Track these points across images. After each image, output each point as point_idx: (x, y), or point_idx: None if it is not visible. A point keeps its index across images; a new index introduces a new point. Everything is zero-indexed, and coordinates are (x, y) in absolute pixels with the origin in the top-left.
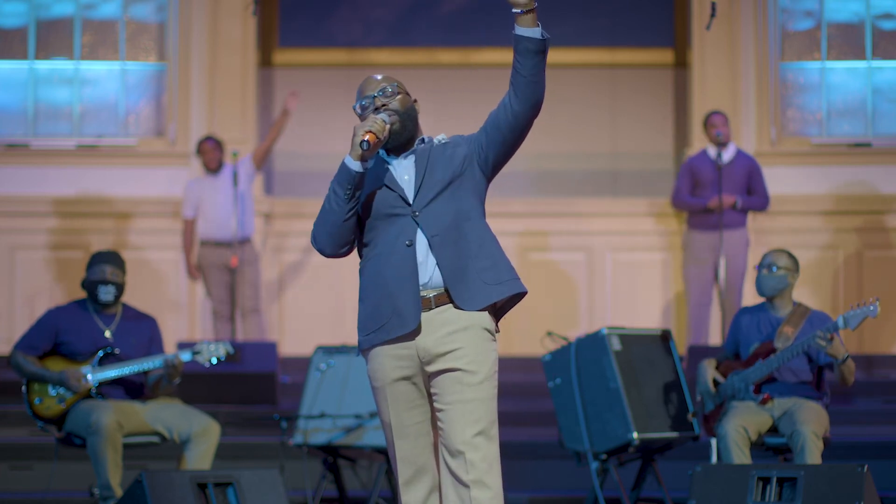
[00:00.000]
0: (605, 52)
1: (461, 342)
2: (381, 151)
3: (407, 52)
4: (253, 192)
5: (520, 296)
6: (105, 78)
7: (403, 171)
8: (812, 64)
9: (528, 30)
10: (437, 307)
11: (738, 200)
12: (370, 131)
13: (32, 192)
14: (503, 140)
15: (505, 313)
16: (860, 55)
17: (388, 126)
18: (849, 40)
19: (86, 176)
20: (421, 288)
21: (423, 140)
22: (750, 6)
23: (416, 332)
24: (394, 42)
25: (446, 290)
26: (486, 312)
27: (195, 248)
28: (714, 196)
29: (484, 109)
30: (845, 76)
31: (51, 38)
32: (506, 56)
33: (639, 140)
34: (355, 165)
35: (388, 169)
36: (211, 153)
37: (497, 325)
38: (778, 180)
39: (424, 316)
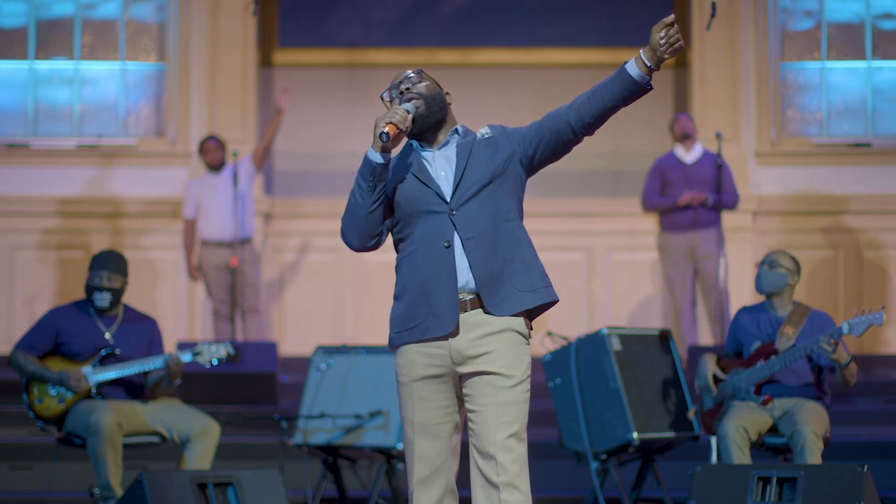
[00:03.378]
0: (605, 52)
1: (495, 345)
2: (416, 144)
3: (407, 52)
4: (253, 193)
5: (552, 303)
6: (105, 78)
7: (440, 166)
8: (812, 64)
9: (642, 76)
10: (471, 310)
11: (708, 198)
12: (390, 122)
13: (32, 192)
14: (554, 147)
15: (536, 316)
16: (860, 55)
17: (410, 115)
18: (849, 40)
19: (86, 176)
20: (458, 290)
21: (456, 131)
22: (750, 6)
23: (453, 333)
24: (394, 42)
25: (478, 295)
26: (520, 316)
27: (196, 248)
28: (684, 194)
29: (484, 109)
30: (845, 76)
31: (51, 38)
32: (506, 56)
33: (639, 140)
34: (376, 157)
35: (424, 163)
36: (214, 152)
37: (531, 325)
38: (778, 180)
39: (460, 317)
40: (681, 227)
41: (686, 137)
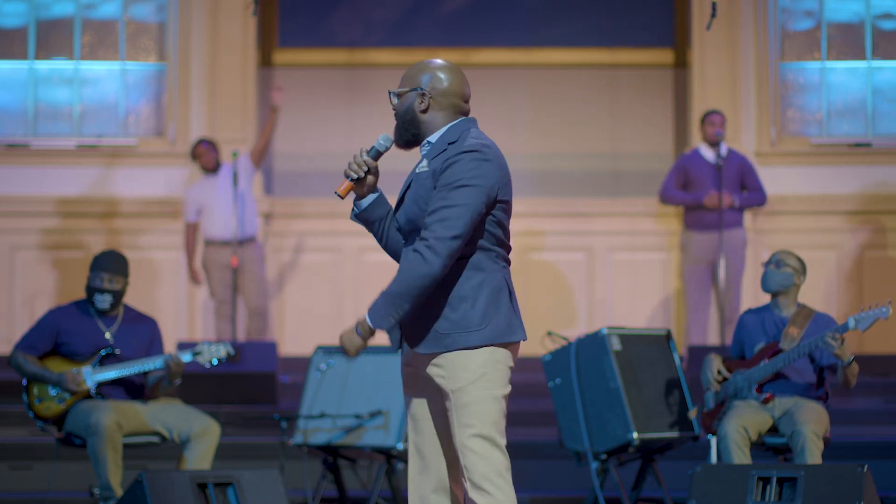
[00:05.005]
0: (605, 52)
1: (438, 353)
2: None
3: (407, 52)
4: (254, 191)
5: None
6: (105, 78)
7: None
8: (812, 64)
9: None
10: None
11: (735, 200)
12: (346, 178)
13: (32, 192)
14: None
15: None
16: (860, 55)
17: (368, 158)
18: (849, 40)
19: (86, 176)
20: None
21: (429, 143)
22: (750, 6)
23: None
24: (394, 42)
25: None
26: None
27: (198, 252)
28: (711, 193)
29: (484, 109)
30: (845, 76)
31: (51, 38)
32: (506, 56)
33: (639, 140)
34: (354, 207)
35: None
36: (206, 155)
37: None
38: (778, 180)
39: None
40: (704, 226)
41: (716, 144)
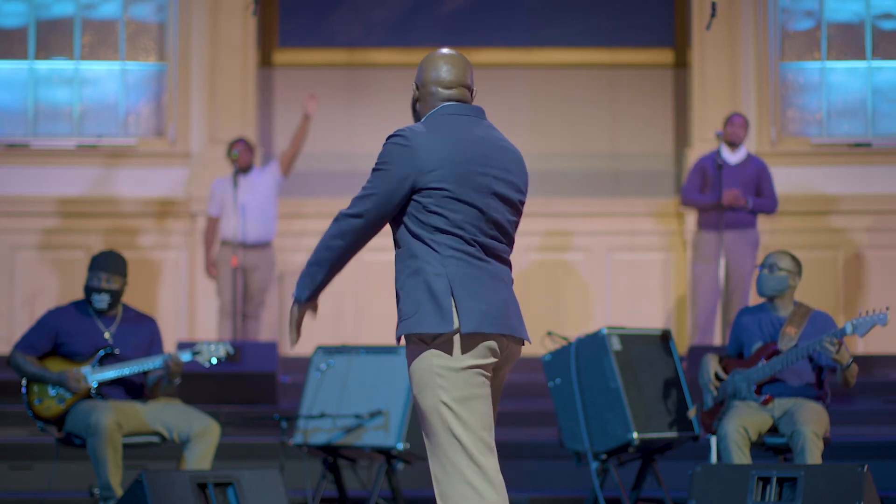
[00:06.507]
0: (605, 52)
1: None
2: None
3: (407, 52)
4: (277, 200)
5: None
6: (105, 78)
7: None
8: (812, 64)
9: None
10: None
11: (749, 201)
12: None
13: (32, 192)
14: None
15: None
16: (860, 55)
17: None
18: (849, 40)
19: (86, 176)
20: None
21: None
22: (750, 6)
23: None
24: (394, 42)
25: None
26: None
27: (216, 245)
28: (725, 192)
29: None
30: (845, 76)
31: (51, 38)
32: (506, 56)
33: (639, 140)
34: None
35: None
36: (242, 155)
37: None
38: (778, 180)
39: None
40: (715, 226)
41: (731, 144)
